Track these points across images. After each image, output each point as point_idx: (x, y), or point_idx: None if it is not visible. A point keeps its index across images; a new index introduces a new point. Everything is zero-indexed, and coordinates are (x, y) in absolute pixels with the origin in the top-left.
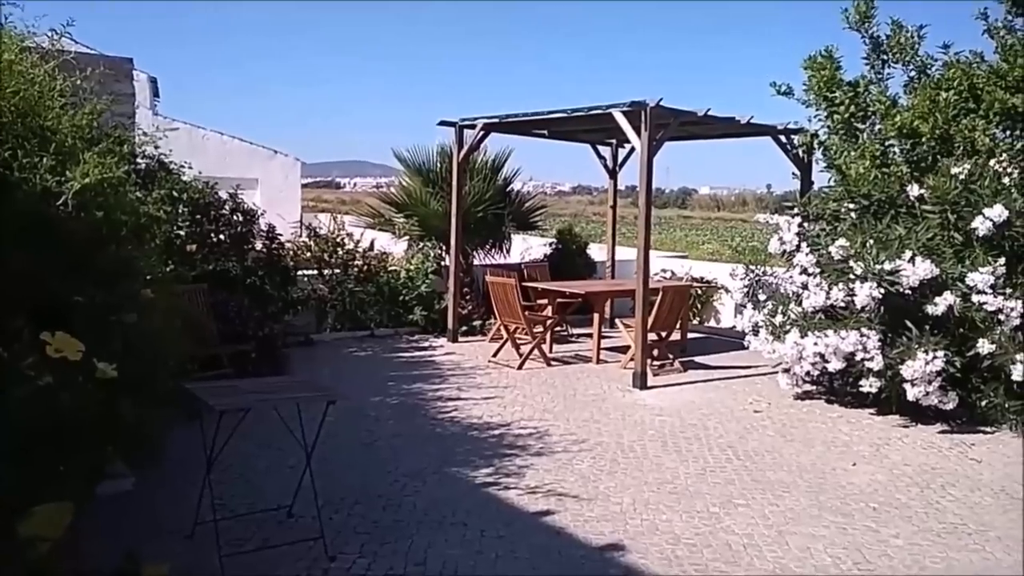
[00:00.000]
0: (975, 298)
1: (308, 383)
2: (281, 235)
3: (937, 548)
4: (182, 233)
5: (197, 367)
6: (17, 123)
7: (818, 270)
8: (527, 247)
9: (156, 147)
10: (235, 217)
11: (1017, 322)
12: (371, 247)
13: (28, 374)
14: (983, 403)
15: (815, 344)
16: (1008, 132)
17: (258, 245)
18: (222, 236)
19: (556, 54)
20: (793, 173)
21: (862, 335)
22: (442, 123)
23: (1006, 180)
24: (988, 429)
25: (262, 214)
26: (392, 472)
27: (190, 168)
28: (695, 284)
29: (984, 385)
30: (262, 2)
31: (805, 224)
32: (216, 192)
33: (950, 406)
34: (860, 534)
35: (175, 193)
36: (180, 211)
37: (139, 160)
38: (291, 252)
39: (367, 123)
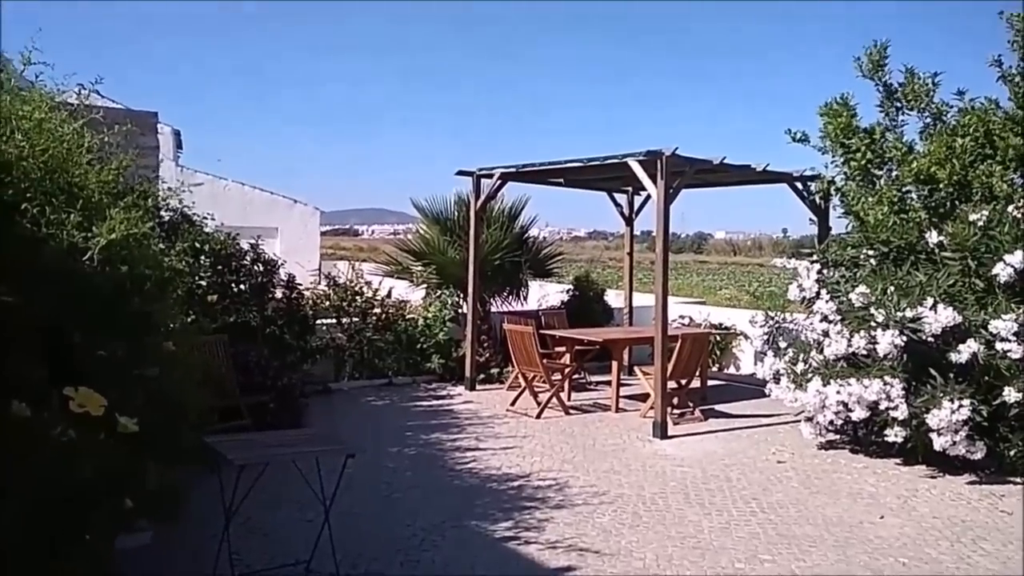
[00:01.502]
0: (999, 346)
1: (327, 436)
2: (300, 284)
3: None
4: (204, 284)
5: (216, 419)
6: (46, 180)
7: (839, 317)
8: (544, 294)
9: (180, 200)
10: (256, 267)
11: None
12: (389, 295)
13: (51, 432)
14: (1011, 453)
15: (838, 392)
16: None
17: (278, 294)
18: (243, 286)
19: (572, 102)
20: (810, 219)
21: (885, 383)
22: (460, 173)
23: None
24: (1017, 480)
25: (282, 263)
26: (411, 526)
27: (212, 219)
28: (714, 331)
29: (1012, 434)
30: (278, 47)
31: (824, 271)
32: (237, 243)
33: (978, 456)
34: None
35: (197, 244)
36: (202, 262)
37: (163, 213)
38: (310, 301)
39: (385, 171)
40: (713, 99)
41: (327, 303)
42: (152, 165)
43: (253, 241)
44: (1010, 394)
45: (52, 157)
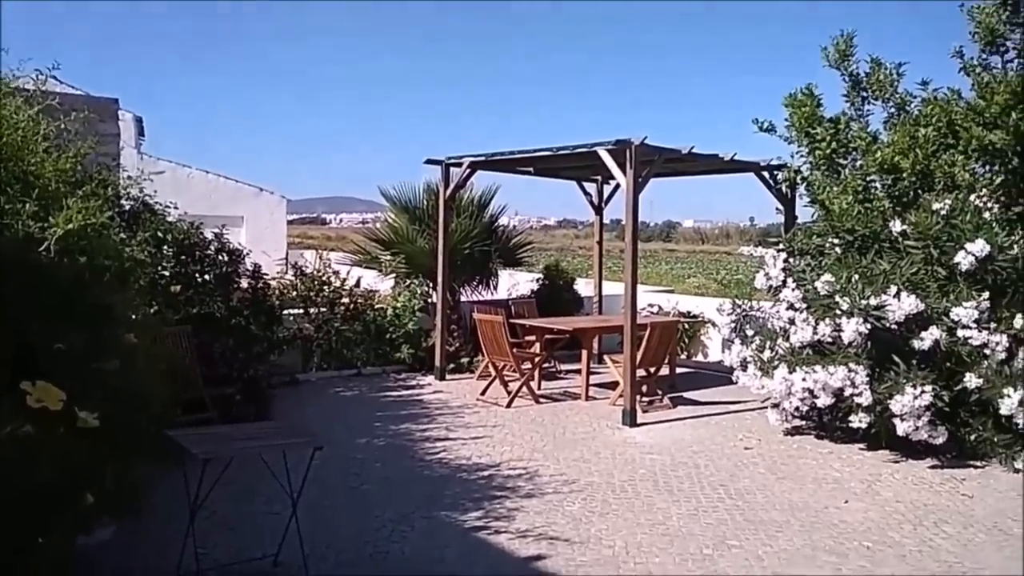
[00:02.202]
0: (960, 332)
1: (294, 428)
2: (267, 274)
3: None
4: (167, 274)
5: (180, 411)
6: (0, 169)
7: (804, 305)
8: (514, 283)
9: (141, 189)
10: (220, 257)
11: (1003, 356)
12: (357, 284)
13: (6, 428)
14: (972, 437)
15: (803, 379)
16: (987, 167)
17: (243, 284)
18: (207, 276)
19: (542, 91)
20: (777, 208)
21: (850, 370)
22: (428, 161)
23: (987, 215)
24: (978, 463)
25: (248, 253)
26: (379, 517)
27: (175, 208)
28: (682, 319)
29: (973, 419)
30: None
31: (790, 259)
32: (201, 232)
33: (940, 440)
34: (855, 574)
35: (160, 234)
36: (165, 252)
37: (124, 202)
38: (277, 291)
39: (353, 159)
40: (680, 89)
41: (294, 293)
42: (112, 153)
43: (217, 230)
44: (971, 380)
45: (6, 145)
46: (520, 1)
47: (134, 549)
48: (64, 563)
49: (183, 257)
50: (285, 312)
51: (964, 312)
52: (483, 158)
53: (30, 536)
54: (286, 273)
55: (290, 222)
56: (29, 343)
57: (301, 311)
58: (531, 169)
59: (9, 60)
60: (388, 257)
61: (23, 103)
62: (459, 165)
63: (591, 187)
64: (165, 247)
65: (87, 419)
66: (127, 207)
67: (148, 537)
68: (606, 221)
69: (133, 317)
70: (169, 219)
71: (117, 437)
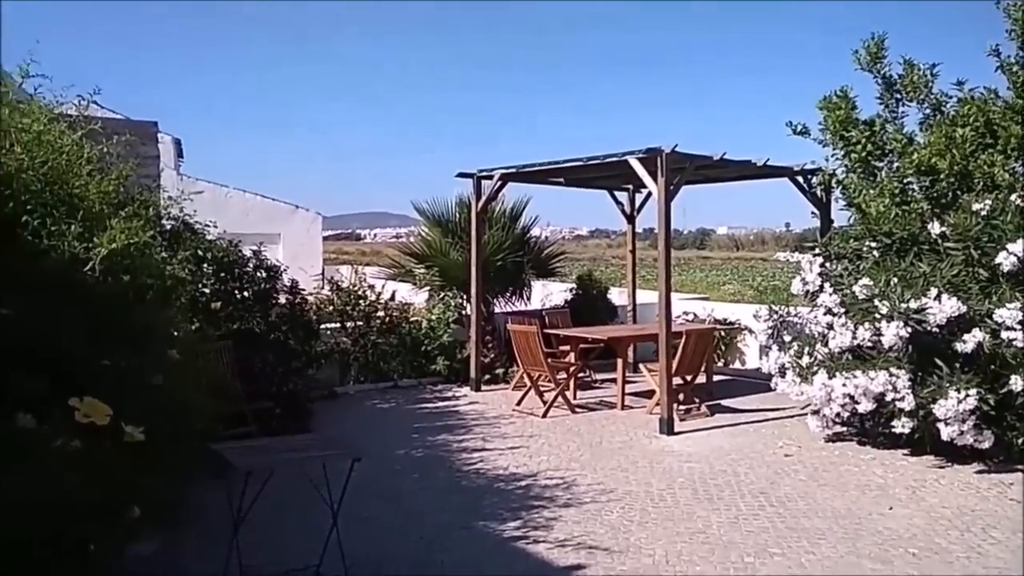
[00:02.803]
0: (1004, 334)
1: (333, 440)
2: (304, 289)
3: None
4: (207, 291)
5: (222, 426)
6: (46, 192)
7: (843, 310)
8: (547, 293)
9: (181, 208)
10: (259, 274)
11: None
12: (392, 298)
13: (55, 443)
14: (1019, 441)
15: (844, 385)
16: None
17: (281, 300)
18: (246, 293)
19: (572, 104)
20: (812, 212)
21: (891, 375)
22: (460, 175)
23: None
24: None
25: (285, 269)
26: (419, 528)
27: (214, 227)
28: (718, 326)
29: (1019, 423)
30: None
31: (827, 264)
32: (240, 250)
33: (986, 445)
34: None
35: (200, 252)
36: (205, 270)
37: (164, 222)
38: (314, 306)
39: (386, 175)
40: (711, 95)
41: (331, 308)
42: (153, 174)
43: (255, 248)
44: (1016, 383)
45: (52, 169)
46: (539, 1)
47: (179, 561)
48: (114, 573)
49: (223, 274)
50: (322, 326)
51: (1008, 314)
52: (514, 170)
53: (81, 546)
54: (323, 288)
55: (326, 238)
56: (76, 360)
57: (338, 325)
58: (562, 180)
59: (52, 86)
60: (422, 270)
61: (67, 128)
62: (490, 178)
63: (623, 196)
64: (205, 265)
65: (133, 433)
66: (168, 227)
67: (193, 549)
68: (639, 230)
69: (175, 334)
70: (208, 238)
71: (162, 451)
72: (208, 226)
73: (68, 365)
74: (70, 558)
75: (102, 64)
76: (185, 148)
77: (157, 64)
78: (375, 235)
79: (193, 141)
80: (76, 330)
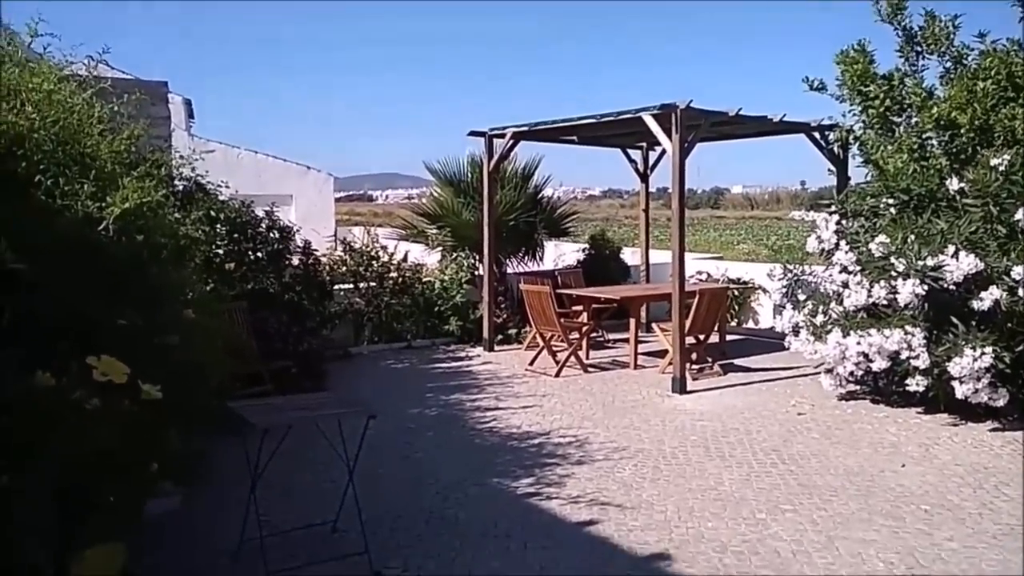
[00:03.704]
0: (1022, 292)
1: (348, 398)
2: (317, 250)
3: (994, 551)
4: (220, 252)
5: (239, 385)
6: (58, 151)
7: (858, 268)
8: (560, 253)
9: (193, 169)
10: (272, 234)
11: None
12: (405, 259)
13: (77, 402)
14: None
15: (858, 344)
16: None
17: (295, 261)
18: (259, 254)
19: (583, 59)
20: (829, 169)
21: (906, 333)
22: (472, 133)
23: None
24: None
25: (298, 230)
26: (434, 484)
27: (227, 188)
28: (732, 286)
29: None
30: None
31: (843, 221)
32: (252, 210)
33: (1000, 403)
34: (912, 538)
35: (213, 213)
36: (218, 231)
37: (177, 182)
38: (327, 267)
39: (398, 136)
40: (728, 50)
41: (344, 269)
42: (164, 135)
43: (268, 208)
44: None
45: (63, 128)
46: None
47: (199, 517)
48: (134, 524)
49: (236, 235)
50: (336, 287)
51: None
52: (526, 128)
53: (103, 497)
54: (335, 249)
55: (338, 199)
56: (92, 320)
57: (351, 286)
58: (575, 138)
59: (61, 45)
60: (434, 231)
61: (77, 87)
62: (502, 136)
63: (636, 155)
64: (218, 226)
65: (150, 391)
66: (180, 187)
67: (213, 506)
68: (652, 190)
69: (190, 294)
70: (221, 198)
71: (179, 409)
72: (220, 187)
73: (84, 325)
74: (99, 513)
75: (112, 25)
76: (196, 109)
77: (165, 20)
78: (387, 196)
79: (204, 103)
80: (92, 290)
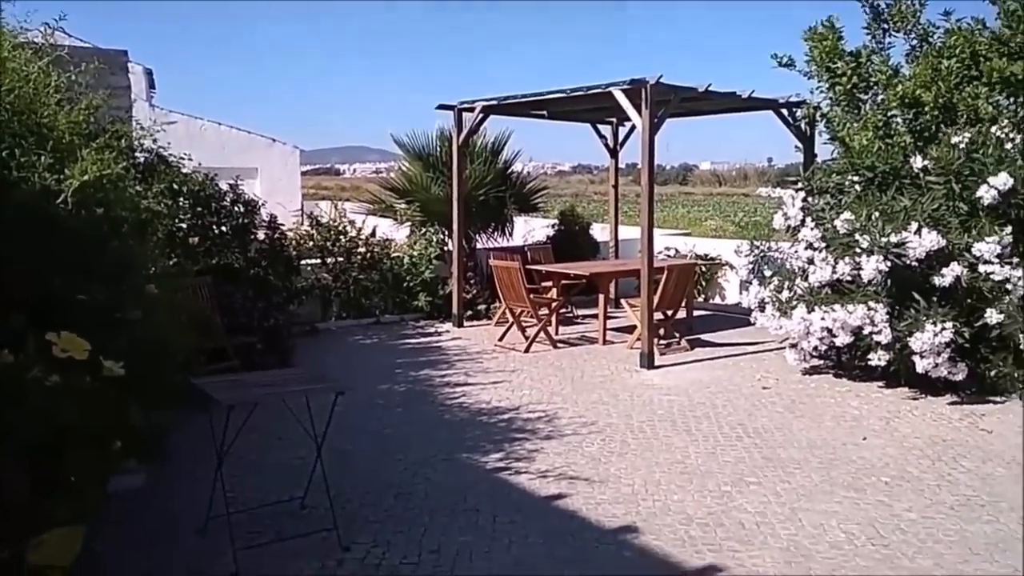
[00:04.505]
0: (982, 268)
1: (316, 374)
2: (283, 225)
3: (951, 521)
4: (184, 226)
5: (204, 360)
6: (13, 121)
7: (824, 244)
8: (530, 229)
9: (154, 140)
10: (236, 208)
11: None
12: (373, 234)
13: (36, 378)
14: (992, 373)
15: (822, 319)
16: (1012, 99)
17: (260, 236)
18: (224, 228)
19: (553, 35)
20: (796, 146)
21: (869, 308)
22: (441, 107)
23: (1008, 146)
24: (998, 399)
25: (263, 204)
26: (402, 460)
27: (189, 160)
28: (699, 262)
29: (993, 355)
30: None
31: (809, 198)
32: (216, 184)
33: (959, 377)
34: (873, 509)
35: (175, 186)
36: (181, 204)
37: (138, 154)
38: (293, 242)
39: (365, 108)
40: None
41: (311, 243)
42: (124, 106)
43: (232, 182)
44: (992, 315)
45: (18, 97)
46: None
47: (165, 495)
48: (97, 504)
49: (199, 209)
50: (302, 262)
51: (987, 247)
52: (496, 102)
53: (62, 476)
54: (302, 224)
55: (304, 173)
56: (51, 294)
57: (318, 261)
58: (545, 113)
59: (15, 11)
60: (403, 206)
61: (32, 55)
62: (472, 110)
63: (606, 130)
64: (181, 199)
65: (112, 368)
66: (141, 159)
67: (178, 483)
68: (621, 165)
69: (153, 269)
70: (184, 171)
71: (142, 385)
72: (183, 159)
73: (43, 300)
74: (62, 492)
75: None
76: (157, 79)
77: None
78: (355, 170)
79: (165, 72)
80: (51, 264)
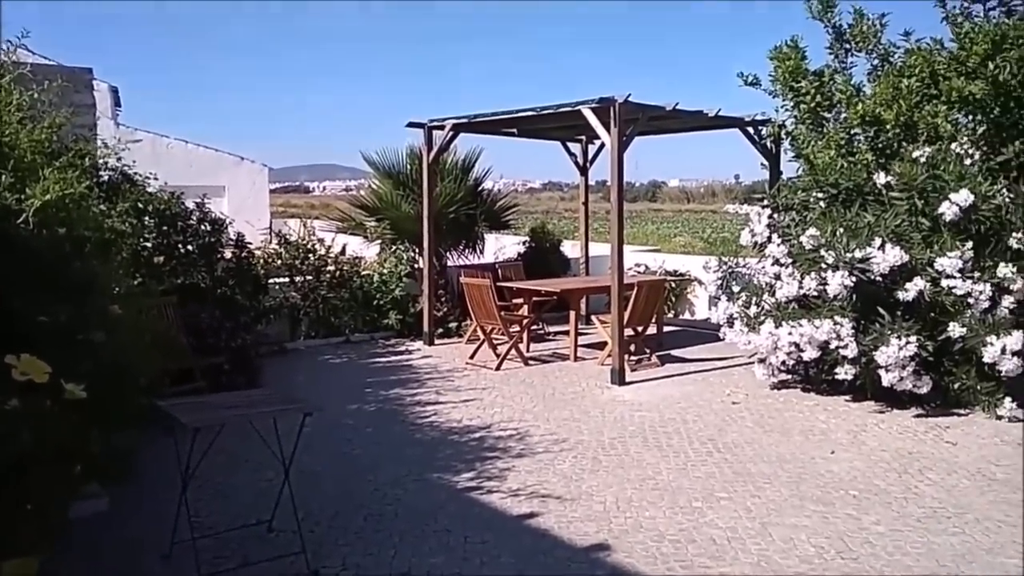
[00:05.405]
0: (944, 283)
1: (283, 395)
2: (251, 243)
3: (918, 533)
4: (149, 245)
5: (169, 382)
6: None
7: (790, 260)
8: (500, 246)
9: (119, 159)
10: (203, 227)
11: (986, 305)
12: (343, 252)
13: None
14: (956, 386)
15: (790, 334)
16: (970, 117)
17: (227, 254)
18: (190, 247)
19: (524, 56)
20: (762, 164)
21: (835, 323)
22: (411, 124)
23: (968, 162)
24: (962, 411)
25: (230, 222)
26: (372, 481)
27: (155, 179)
28: (669, 278)
29: (956, 368)
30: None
31: (775, 215)
32: (182, 202)
33: (924, 390)
34: (842, 522)
35: (140, 205)
36: (146, 223)
37: (102, 173)
38: (261, 260)
39: (335, 126)
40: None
41: (279, 262)
42: (88, 124)
43: (199, 200)
44: (954, 329)
45: None
46: None
47: (129, 519)
48: (58, 531)
49: (165, 228)
50: (271, 281)
51: (948, 262)
52: (466, 120)
53: (19, 504)
54: (270, 242)
55: (273, 191)
56: (10, 316)
57: (287, 280)
58: (515, 131)
59: None
60: (373, 223)
61: None
62: (442, 128)
63: (576, 148)
64: (146, 218)
65: (74, 391)
66: (106, 178)
67: (142, 507)
68: (591, 182)
69: (116, 289)
70: (149, 190)
71: (105, 408)
72: (149, 178)
73: (2, 321)
74: (23, 517)
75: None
76: (123, 97)
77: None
78: (324, 188)
79: (131, 90)
80: (10, 285)
